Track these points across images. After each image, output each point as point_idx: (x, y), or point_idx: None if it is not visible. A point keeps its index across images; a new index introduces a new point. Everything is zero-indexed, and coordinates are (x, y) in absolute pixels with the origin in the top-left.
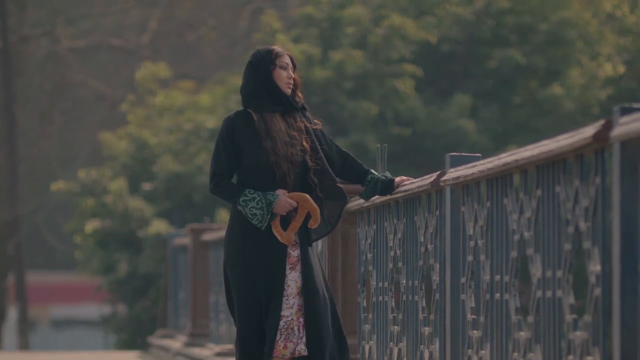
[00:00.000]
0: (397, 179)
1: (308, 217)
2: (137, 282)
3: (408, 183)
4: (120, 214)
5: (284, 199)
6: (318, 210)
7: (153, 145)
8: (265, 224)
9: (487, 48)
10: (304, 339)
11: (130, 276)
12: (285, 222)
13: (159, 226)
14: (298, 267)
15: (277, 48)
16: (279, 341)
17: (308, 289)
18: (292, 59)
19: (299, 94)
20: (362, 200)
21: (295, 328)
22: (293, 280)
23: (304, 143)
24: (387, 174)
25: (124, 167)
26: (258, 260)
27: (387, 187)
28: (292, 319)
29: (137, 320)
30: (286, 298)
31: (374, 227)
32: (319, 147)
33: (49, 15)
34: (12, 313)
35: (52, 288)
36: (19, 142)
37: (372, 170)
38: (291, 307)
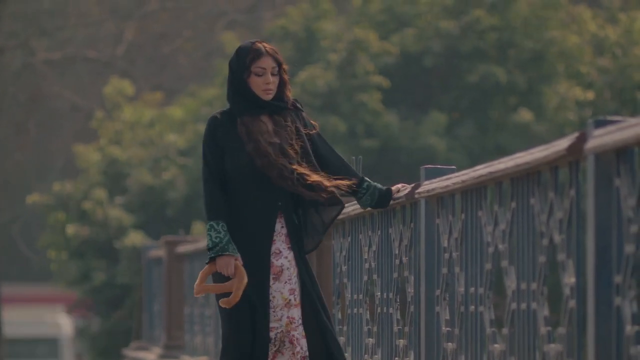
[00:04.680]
0: (394, 188)
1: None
2: (113, 292)
3: (403, 189)
4: (99, 222)
5: (231, 262)
6: (235, 301)
7: (123, 161)
8: (210, 255)
9: (467, 63)
10: (302, 352)
11: (107, 286)
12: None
13: (135, 238)
14: (282, 278)
15: (254, 51)
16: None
17: (307, 301)
18: (275, 58)
19: (287, 93)
20: None
21: (287, 340)
22: (278, 291)
23: (294, 144)
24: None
25: (99, 179)
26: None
27: (384, 195)
28: (282, 330)
29: (112, 332)
30: (273, 310)
31: (349, 239)
32: (309, 150)
33: (24, 27)
34: None
35: (27, 300)
36: None
37: (367, 179)
38: (280, 319)
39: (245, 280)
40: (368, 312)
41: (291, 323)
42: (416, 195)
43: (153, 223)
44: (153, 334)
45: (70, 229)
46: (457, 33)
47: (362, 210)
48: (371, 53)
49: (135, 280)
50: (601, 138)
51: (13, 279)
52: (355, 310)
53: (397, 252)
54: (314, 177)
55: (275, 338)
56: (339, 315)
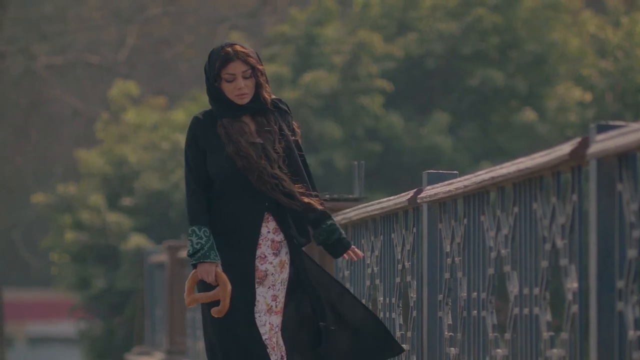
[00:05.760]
0: (353, 247)
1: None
2: (113, 298)
3: (354, 254)
4: (97, 228)
5: (212, 270)
6: (226, 310)
7: (133, 162)
8: (192, 261)
9: (468, 65)
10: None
11: (107, 292)
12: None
13: (138, 240)
14: (266, 282)
15: (222, 57)
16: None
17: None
18: (246, 60)
19: (265, 95)
20: (339, 217)
21: (277, 347)
22: (262, 295)
23: (277, 145)
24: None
25: (103, 182)
26: (224, 264)
27: (342, 242)
28: (267, 337)
29: (113, 337)
30: (258, 314)
31: None
32: (294, 150)
33: (25, 32)
34: None
35: (28, 305)
36: None
37: (333, 218)
38: (264, 325)
39: (230, 287)
40: None
41: (271, 329)
42: (418, 200)
43: (156, 227)
44: (155, 339)
45: (69, 236)
46: (458, 34)
47: (364, 214)
48: (375, 56)
49: (137, 284)
50: (603, 143)
51: (14, 284)
52: None
53: (399, 257)
54: (291, 187)
55: (266, 344)
56: None
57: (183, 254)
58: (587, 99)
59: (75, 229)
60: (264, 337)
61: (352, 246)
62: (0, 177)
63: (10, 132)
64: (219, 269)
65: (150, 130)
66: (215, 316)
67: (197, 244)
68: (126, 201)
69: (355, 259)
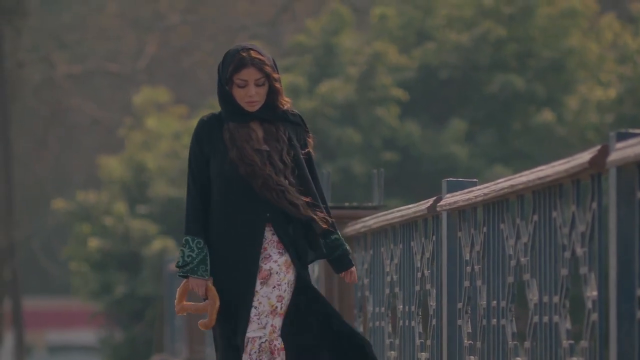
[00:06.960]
0: (351, 269)
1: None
2: (134, 304)
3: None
4: (120, 235)
5: (203, 283)
6: (212, 324)
7: (152, 169)
8: (180, 273)
9: (485, 74)
10: None
11: (128, 298)
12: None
13: (163, 242)
14: (271, 282)
15: (236, 62)
16: None
17: (325, 312)
18: (261, 68)
19: (282, 100)
20: (358, 225)
21: (275, 351)
22: (265, 296)
23: (285, 155)
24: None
25: (123, 188)
26: (226, 270)
27: (344, 258)
28: (267, 340)
29: (134, 345)
30: (258, 317)
31: (371, 252)
32: (302, 162)
33: (45, 41)
34: (9, 339)
35: (48, 313)
36: (14, 168)
37: (339, 233)
38: (264, 327)
39: (218, 303)
40: (390, 325)
41: (274, 332)
42: (438, 208)
43: (171, 234)
44: (174, 347)
45: (93, 243)
46: (471, 45)
47: (384, 222)
48: (390, 67)
49: (157, 290)
50: (623, 151)
51: (33, 293)
52: (377, 323)
53: (419, 265)
54: (295, 198)
55: (259, 349)
56: (361, 328)
57: None
58: (611, 95)
59: (97, 236)
60: (261, 340)
61: (352, 268)
62: (20, 186)
63: (30, 141)
64: (210, 284)
65: (171, 138)
66: (202, 329)
67: (187, 256)
68: (141, 209)
69: (348, 280)
